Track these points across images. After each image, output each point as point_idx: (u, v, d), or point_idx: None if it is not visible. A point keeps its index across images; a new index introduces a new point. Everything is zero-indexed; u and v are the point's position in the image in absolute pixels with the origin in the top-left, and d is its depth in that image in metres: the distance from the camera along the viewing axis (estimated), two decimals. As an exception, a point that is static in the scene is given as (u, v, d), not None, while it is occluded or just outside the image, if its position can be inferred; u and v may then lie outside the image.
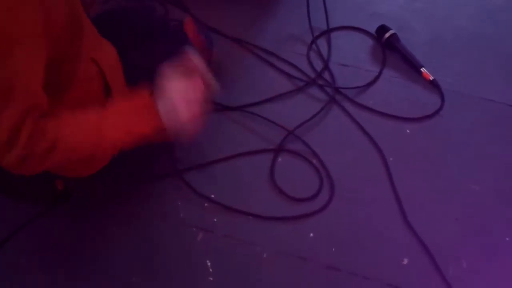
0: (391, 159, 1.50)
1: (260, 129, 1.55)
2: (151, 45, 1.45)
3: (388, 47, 1.73)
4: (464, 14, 1.85)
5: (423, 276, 1.31)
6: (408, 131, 1.56)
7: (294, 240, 1.37)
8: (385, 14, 1.82)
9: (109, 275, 1.32)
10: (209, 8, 1.82)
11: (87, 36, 1.10)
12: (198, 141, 1.51)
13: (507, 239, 1.37)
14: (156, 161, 1.48)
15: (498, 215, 1.41)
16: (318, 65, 1.70)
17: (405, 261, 1.33)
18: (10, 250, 1.34)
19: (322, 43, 1.76)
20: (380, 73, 1.68)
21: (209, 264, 1.33)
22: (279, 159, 1.50)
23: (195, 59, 1.11)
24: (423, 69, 1.65)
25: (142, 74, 1.35)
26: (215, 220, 1.40)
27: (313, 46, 1.75)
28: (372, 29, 1.76)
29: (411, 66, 1.68)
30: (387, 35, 1.71)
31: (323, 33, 1.78)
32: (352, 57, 1.72)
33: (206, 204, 1.42)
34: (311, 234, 1.38)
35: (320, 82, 1.66)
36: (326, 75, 1.68)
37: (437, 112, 1.59)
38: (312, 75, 1.67)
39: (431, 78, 1.64)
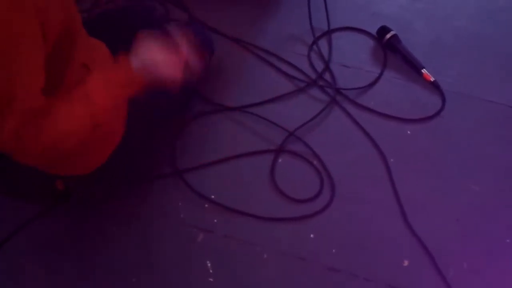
0: (392, 160, 1.49)
1: (260, 129, 1.55)
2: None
3: (389, 48, 1.72)
4: (465, 14, 1.84)
5: (424, 277, 1.31)
6: (409, 132, 1.56)
7: (294, 241, 1.37)
8: (386, 14, 1.82)
9: (109, 275, 1.32)
10: (209, 8, 1.82)
11: (81, 42, 1.10)
12: (199, 140, 1.52)
13: (507, 240, 1.37)
14: (156, 161, 1.48)
15: (499, 216, 1.41)
16: (319, 66, 1.70)
17: (406, 263, 1.33)
18: (10, 250, 1.34)
19: (323, 43, 1.75)
20: (381, 74, 1.68)
21: (209, 264, 1.33)
22: (280, 160, 1.50)
23: (177, 35, 1.10)
24: (423, 70, 1.65)
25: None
26: (215, 220, 1.39)
27: (314, 46, 1.74)
28: (373, 30, 1.76)
29: (412, 67, 1.68)
30: (388, 36, 1.71)
31: (324, 34, 1.77)
32: (353, 58, 1.72)
33: (206, 205, 1.42)
34: (312, 235, 1.38)
35: (321, 83, 1.66)
36: (327, 75, 1.68)
37: (438, 113, 1.59)
38: (313, 75, 1.67)
39: (432, 79, 1.64)
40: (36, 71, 0.94)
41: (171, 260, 1.34)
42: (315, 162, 1.49)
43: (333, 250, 1.35)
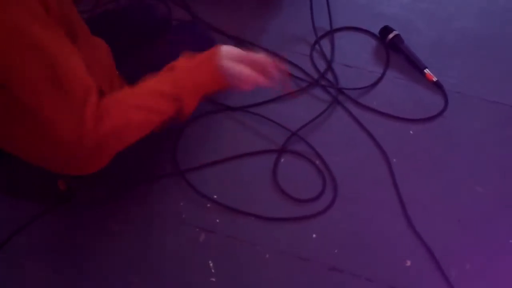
0: (394, 160, 1.49)
1: (263, 129, 1.55)
2: (150, 43, 1.45)
3: (391, 48, 1.72)
4: (468, 14, 1.84)
5: (426, 278, 1.31)
6: (411, 132, 1.55)
7: (296, 241, 1.36)
8: (389, 14, 1.82)
9: (110, 275, 1.32)
10: (211, 7, 1.82)
11: (80, 41, 1.09)
12: (202, 140, 1.52)
13: (510, 241, 1.37)
14: (158, 161, 1.48)
15: (502, 217, 1.40)
16: (321, 66, 1.69)
17: (408, 263, 1.33)
18: (11, 250, 1.34)
19: (325, 43, 1.75)
20: (383, 74, 1.68)
21: (211, 264, 1.33)
22: (282, 160, 1.49)
23: (268, 60, 1.13)
24: (426, 70, 1.65)
25: (141, 73, 1.35)
26: (217, 220, 1.39)
27: (316, 46, 1.74)
28: (376, 30, 1.76)
29: (415, 67, 1.67)
30: (390, 36, 1.71)
31: (326, 34, 1.77)
32: (355, 58, 1.71)
33: (208, 205, 1.42)
34: (314, 235, 1.37)
35: (323, 82, 1.66)
36: (329, 75, 1.67)
37: (440, 113, 1.59)
38: (315, 75, 1.67)
39: (435, 79, 1.63)
40: (73, 52, 0.94)
41: (173, 260, 1.33)
42: (317, 162, 1.49)
43: (335, 250, 1.35)
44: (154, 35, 1.50)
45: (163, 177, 1.46)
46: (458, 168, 1.49)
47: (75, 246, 1.36)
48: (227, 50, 1.11)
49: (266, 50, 1.72)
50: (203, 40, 1.54)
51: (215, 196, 1.42)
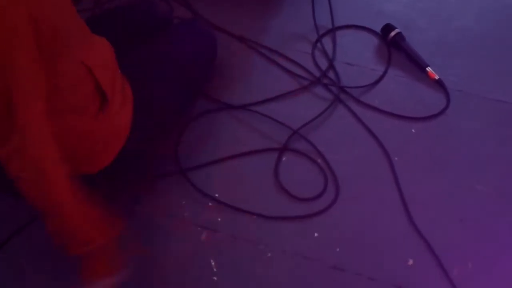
0: (396, 158, 1.49)
1: (264, 128, 1.55)
2: (151, 42, 1.45)
3: (393, 46, 1.72)
4: (470, 12, 1.84)
5: (428, 276, 1.31)
6: (413, 130, 1.55)
7: (298, 240, 1.36)
8: (390, 12, 1.82)
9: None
10: (213, 6, 1.82)
11: (78, 40, 1.09)
12: (203, 138, 1.51)
13: (512, 239, 1.37)
14: (160, 159, 1.48)
15: (504, 216, 1.40)
16: (323, 64, 1.69)
17: (410, 262, 1.33)
18: (11, 250, 1.34)
19: (327, 41, 1.75)
20: (385, 72, 1.68)
21: (213, 263, 1.32)
22: (284, 159, 1.49)
23: None
24: (428, 68, 1.64)
25: (141, 72, 1.35)
26: (219, 219, 1.39)
27: (318, 44, 1.74)
28: (378, 28, 1.76)
29: (417, 65, 1.67)
30: (392, 34, 1.70)
31: (328, 32, 1.77)
32: (357, 56, 1.71)
33: (210, 204, 1.41)
34: (316, 234, 1.37)
35: (325, 81, 1.65)
36: (331, 74, 1.67)
37: (442, 111, 1.59)
38: (317, 74, 1.67)
39: (437, 77, 1.63)
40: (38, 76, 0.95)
41: (175, 259, 1.33)
42: (319, 160, 1.49)
43: (337, 249, 1.35)
44: (155, 33, 1.49)
45: (165, 176, 1.46)
46: (460, 166, 1.48)
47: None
48: None
49: (268, 48, 1.72)
50: (204, 38, 1.54)
51: (217, 195, 1.42)
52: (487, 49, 1.74)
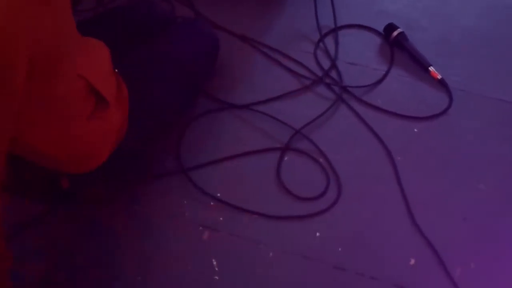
0: (398, 158, 1.49)
1: (266, 127, 1.54)
2: (151, 41, 1.45)
3: (396, 45, 1.72)
4: (473, 12, 1.83)
5: (430, 276, 1.31)
6: (415, 130, 1.55)
7: (300, 240, 1.36)
8: (393, 12, 1.81)
9: (113, 273, 1.32)
10: (215, 5, 1.82)
11: (73, 53, 1.05)
12: (205, 138, 1.51)
13: (515, 240, 1.36)
14: (161, 159, 1.48)
15: (506, 216, 1.39)
16: (325, 64, 1.69)
17: (412, 262, 1.32)
18: (16, 248, 1.33)
19: (329, 41, 1.75)
20: (387, 71, 1.67)
21: (214, 263, 1.32)
22: (286, 158, 1.49)
23: None
24: (431, 68, 1.64)
25: (141, 71, 1.35)
26: (221, 219, 1.39)
27: (320, 44, 1.74)
28: (380, 28, 1.75)
29: (419, 65, 1.67)
30: (395, 33, 1.70)
31: (330, 31, 1.77)
32: (359, 56, 1.71)
33: (212, 203, 1.41)
34: (318, 234, 1.37)
35: (327, 80, 1.65)
36: (333, 73, 1.67)
37: (445, 111, 1.58)
38: (319, 73, 1.67)
39: (439, 77, 1.63)
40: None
41: (177, 259, 1.33)
42: (321, 160, 1.49)
43: (339, 249, 1.34)
44: (155, 33, 1.49)
45: (166, 175, 1.46)
46: (463, 166, 1.48)
47: (77, 245, 1.36)
48: None
49: (270, 48, 1.72)
50: (206, 38, 1.53)
51: (219, 194, 1.42)
52: (489, 49, 1.73)
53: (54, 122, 1.06)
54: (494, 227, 1.38)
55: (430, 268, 1.32)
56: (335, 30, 1.77)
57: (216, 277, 1.31)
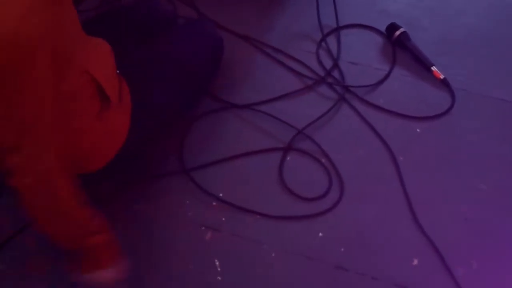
0: (401, 158, 1.49)
1: (268, 127, 1.55)
2: (153, 41, 1.45)
3: (398, 45, 1.71)
4: (475, 11, 1.83)
5: (433, 276, 1.31)
6: (418, 130, 1.55)
7: (302, 240, 1.36)
8: (395, 11, 1.81)
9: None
10: (217, 5, 1.82)
11: (78, 51, 1.08)
12: (207, 138, 1.51)
13: (517, 239, 1.36)
14: (164, 159, 1.48)
15: (509, 216, 1.39)
16: (328, 63, 1.69)
17: (415, 262, 1.32)
18: (12, 249, 1.34)
19: (331, 41, 1.75)
20: (390, 71, 1.67)
21: (217, 263, 1.32)
22: (288, 158, 1.49)
23: None
24: (433, 68, 1.64)
25: (142, 71, 1.35)
26: (223, 219, 1.39)
27: (323, 44, 1.74)
28: (382, 27, 1.75)
29: (421, 64, 1.66)
30: (397, 33, 1.70)
31: (332, 31, 1.77)
32: (361, 55, 1.71)
33: (214, 203, 1.41)
34: (320, 234, 1.37)
35: (330, 80, 1.65)
36: (336, 73, 1.67)
37: (447, 111, 1.58)
38: (322, 73, 1.66)
39: (442, 76, 1.63)
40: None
41: (179, 259, 1.33)
42: (323, 160, 1.49)
43: (342, 249, 1.35)
44: (157, 33, 1.49)
45: (169, 175, 1.46)
46: (465, 166, 1.48)
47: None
48: None
49: (272, 48, 1.72)
50: (208, 38, 1.53)
51: (221, 195, 1.42)
52: (492, 48, 1.73)
53: (63, 118, 1.06)
54: (496, 227, 1.38)
55: (433, 268, 1.32)
56: (337, 29, 1.77)
57: (219, 277, 1.31)
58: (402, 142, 1.52)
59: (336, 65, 1.68)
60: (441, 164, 1.48)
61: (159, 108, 1.34)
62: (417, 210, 1.40)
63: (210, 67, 1.54)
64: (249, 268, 1.32)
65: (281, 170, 1.47)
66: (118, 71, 1.24)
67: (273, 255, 1.34)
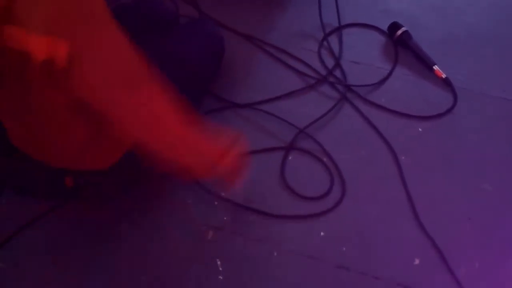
0: (403, 157, 1.48)
1: (270, 127, 1.54)
2: (154, 41, 1.45)
3: (400, 44, 1.71)
4: (477, 10, 1.83)
5: (435, 276, 1.30)
6: (420, 129, 1.55)
7: (304, 239, 1.36)
8: (397, 10, 1.81)
9: (118, 272, 1.32)
10: (219, 4, 1.82)
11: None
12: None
13: (520, 239, 1.36)
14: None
15: (511, 216, 1.39)
16: (329, 62, 1.69)
17: (417, 261, 1.32)
18: (16, 248, 1.34)
19: (333, 40, 1.75)
20: (392, 70, 1.67)
21: (219, 262, 1.32)
22: (290, 157, 1.49)
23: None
24: (435, 67, 1.64)
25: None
26: (225, 218, 1.39)
27: (324, 43, 1.74)
28: (384, 26, 1.75)
29: (423, 63, 1.66)
30: (399, 32, 1.70)
31: (334, 30, 1.76)
32: (363, 55, 1.71)
33: (216, 202, 1.41)
34: (322, 233, 1.37)
35: (331, 79, 1.65)
36: (337, 72, 1.67)
37: (449, 110, 1.58)
38: (323, 72, 1.66)
39: (444, 76, 1.62)
40: None
41: (181, 258, 1.33)
42: (325, 159, 1.48)
43: (343, 248, 1.34)
44: (159, 33, 1.49)
45: (171, 174, 1.45)
46: (467, 165, 1.48)
47: (82, 244, 1.36)
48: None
49: (274, 47, 1.72)
50: (210, 38, 1.53)
51: (223, 194, 1.42)
52: (494, 47, 1.73)
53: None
54: (499, 227, 1.37)
55: (435, 268, 1.31)
56: (339, 28, 1.77)
57: (221, 277, 1.31)
58: (404, 142, 1.51)
59: (338, 64, 1.68)
60: (443, 163, 1.48)
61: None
62: (419, 209, 1.39)
63: (211, 67, 1.54)
64: (251, 267, 1.32)
65: (283, 169, 1.47)
66: None
67: (275, 254, 1.34)
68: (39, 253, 1.34)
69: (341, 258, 1.33)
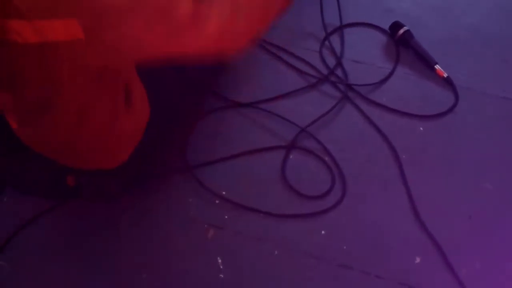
0: (404, 157, 1.48)
1: (271, 126, 1.54)
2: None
3: (401, 43, 1.71)
4: (479, 10, 1.82)
5: (436, 275, 1.30)
6: (421, 128, 1.55)
7: (305, 238, 1.36)
8: (399, 10, 1.81)
9: (119, 271, 1.32)
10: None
11: None
12: (210, 136, 1.52)
13: (521, 238, 1.36)
14: (167, 157, 1.48)
15: (512, 214, 1.39)
16: (331, 62, 1.69)
17: (418, 260, 1.32)
18: (18, 246, 1.34)
19: (334, 39, 1.74)
20: (393, 70, 1.67)
21: (219, 261, 1.32)
22: (291, 156, 1.49)
23: None
24: (437, 66, 1.64)
25: (144, 71, 1.34)
26: (226, 217, 1.39)
27: (326, 42, 1.73)
28: (386, 26, 1.75)
29: (425, 63, 1.66)
30: (401, 31, 1.69)
31: (335, 29, 1.76)
32: (365, 54, 1.70)
33: (217, 201, 1.41)
34: (323, 232, 1.37)
35: (333, 78, 1.65)
36: (339, 71, 1.67)
37: (451, 109, 1.58)
38: (325, 71, 1.66)
39: (445, 75, 1.62)
40: None
41: (182, 256, 1.34)
42: (326, 158, 1.48)
43: (344, 247, 1.34)
44: None
45: (172, 173, 1.46)
46: (469, 164, 1.48)
47: (83, 242, 1.37)
48: None
49: (275, 46, 1.72)
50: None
51: (224, 193, 1.42)
52: (495, 47, 1.72)
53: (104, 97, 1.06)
54: (501, 226, 1.37)
55: (436, 267, 1.31)
56: (340, 28, 1.76)
57: (221, 275, 1.31)
58: (405, 141, 1.51)
59: (339, 63, 1.68)
60: (445, 162, 1.48)
61: (166, 107, 1.33)
62: (420, 208, 1.39)
63: (213, 66, 1.54)
64: (252, 266, 1.32)
65: (284, 168, 1.47)
66: None
67: (276, 253, 1.34)
68: (39, 252, 1.35)
69: (342, 257, 1.33)
